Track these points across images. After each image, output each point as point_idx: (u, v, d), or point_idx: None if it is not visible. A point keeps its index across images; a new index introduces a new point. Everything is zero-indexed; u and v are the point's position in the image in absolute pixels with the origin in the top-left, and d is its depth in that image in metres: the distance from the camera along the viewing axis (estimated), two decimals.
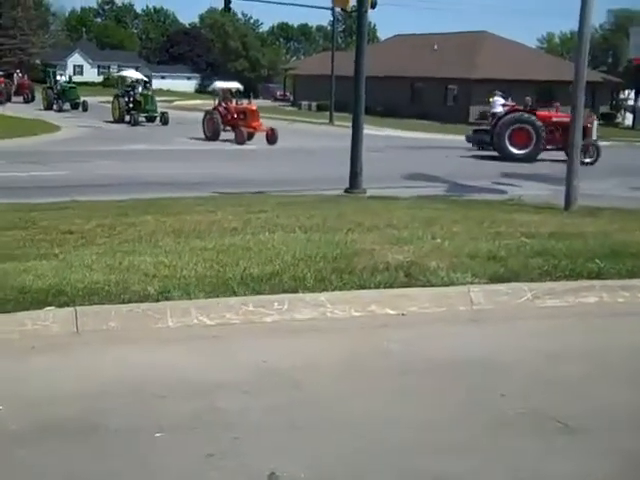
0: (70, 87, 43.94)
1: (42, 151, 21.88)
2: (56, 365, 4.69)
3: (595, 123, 24.52)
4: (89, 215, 9.47)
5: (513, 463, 3.61)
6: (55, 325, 5.11)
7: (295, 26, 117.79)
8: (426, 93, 54.12)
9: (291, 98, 69.31)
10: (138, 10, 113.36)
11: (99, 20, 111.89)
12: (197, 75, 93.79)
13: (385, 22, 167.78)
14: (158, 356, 4.89)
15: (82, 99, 43.04)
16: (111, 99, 37.55)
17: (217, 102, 29.87)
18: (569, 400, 4.33)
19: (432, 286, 6.12)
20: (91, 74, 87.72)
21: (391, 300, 5.84)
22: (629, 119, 56.12)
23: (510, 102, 26.40)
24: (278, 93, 76.96)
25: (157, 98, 37.04)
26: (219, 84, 32.71)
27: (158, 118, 34.80)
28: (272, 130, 27.85)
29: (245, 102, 30.47)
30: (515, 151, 23.61)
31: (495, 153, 24.98)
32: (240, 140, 27.12)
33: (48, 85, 44.02)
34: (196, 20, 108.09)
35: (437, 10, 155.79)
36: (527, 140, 23.61)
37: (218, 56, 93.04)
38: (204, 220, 8.93)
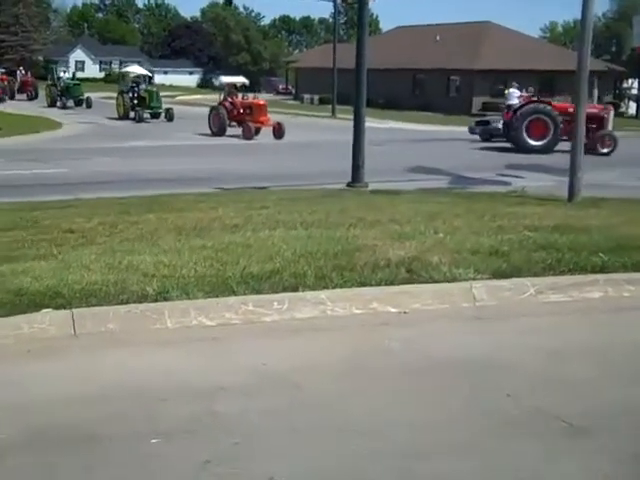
0: (74, 84, 43.80)
1: (46, 148, 21.85)
2: (52, 369, 4.63)
3: (612, 113, 24.42)
4: (91, 213, 9.43)
5: (517, 464, 3.55)
6: (52, 328, 5.04)
7: (297, 19, 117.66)
8: (428, 84, 53.94)
9: (293, 91, 69.15)
10: (139, 4, 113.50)
11: (100, 15, 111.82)
12: (199, 69, 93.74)
13: (388, 14, 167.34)
14: (157, 359, 4.82)
15: (86, 96, 42.93)
16: (113, 95, 37.39)
17: (222, 97, 29.72)
18: (574, 399, 4.26)
19: (434, 282, 6.05)
20: (93, 70, 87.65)
21: (393, 297, 5.78)
22: (633, 108, 55.90)
23: (525, 93, 26.23)
24: (280, 86, 76.78)
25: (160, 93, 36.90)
26: (224, 79, 32.55)
27: (163, 114, 34.66)
28: (279, 124, 27.74)
29: (251, 96, 30.34)
30: (533, 143, 23.42)
31: (499, 144, 24.88)
32: (248, 135, 26.99)
33: (51, 82, 43.91)
34: (197, 14, 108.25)
35: (439, 0, 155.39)
36: (544, 131, 23.39)
37: (220, 50, 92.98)
38: (205, 217, 8.87)
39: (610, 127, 23.81)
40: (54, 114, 36.37)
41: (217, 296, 5.56)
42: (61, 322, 5.09)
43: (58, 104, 41.66)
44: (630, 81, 60.78)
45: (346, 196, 11.88)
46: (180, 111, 37.20)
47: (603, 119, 23.58)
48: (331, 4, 49.06)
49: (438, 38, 54.69)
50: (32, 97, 49.05)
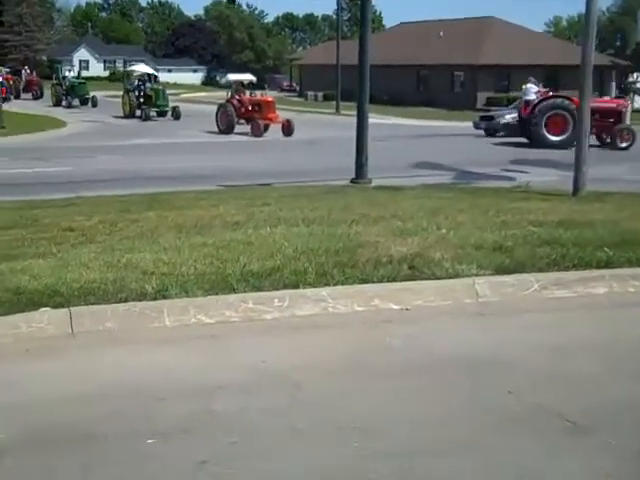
0: (79, 83, 43.81)
1: (51, 147, 21.83)
2: (50, 368, 4.58)
3: (629, 108, 24.27)
4: (92, 211, 9.41)
5: (518, 461, 3.49)
6: (50, 326, 5.00)
7: (300, 16, 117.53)
8: (432, 80, 53.83)
9: (297, 88, 69.09)
10: (143, 3, 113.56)
11: (104, 15, 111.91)
12: (203, 67, 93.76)
13: (391, 11, 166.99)
14: (155, 357, 4.78)
15: (91, 94, 42.91)
16: (118, 94, 37.30)
17: (230, 95, 29.60)
18: (577, 395, 4.20)
19: (437, 279, 5.99)
20: (97, 69, 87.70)
21: (395, 294, 5.71)
22: (638, 102, 55.62)
23: (543, 88, 26.08)
24: (284, 84, 76.72)
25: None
26: (232, 76, 32.44)
27: (170, 112, 34.59)
28: (288, 121, 27.62)
29: (259, 94, 30.24)
30: (552, 138, 23.26)
31: (504, 139, 24.77)
32: (257, 133, 26.83)
33: (57, 81, 43.89)
34: (201, 12, 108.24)
35: None
36: (564, 126, 23.20)
37: (224, 48, 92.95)
38: (206, 215, 8.82)
39: (628, 121, 23.66)
40: (59, 113, 36.38)
41: (217, 294, 5.50)
42: (59, 321, 5.04)
43: (63, 103, 41.63)
44: (635, 75, 60.48)
45: (349, 192, 11.82)
46: (186, 109, 37.14)
47: (621, 113, 23.45)
48: (334, 1, 48.98)
49: (442, 34, 54.56)
50: (37, 96, 49.08)
